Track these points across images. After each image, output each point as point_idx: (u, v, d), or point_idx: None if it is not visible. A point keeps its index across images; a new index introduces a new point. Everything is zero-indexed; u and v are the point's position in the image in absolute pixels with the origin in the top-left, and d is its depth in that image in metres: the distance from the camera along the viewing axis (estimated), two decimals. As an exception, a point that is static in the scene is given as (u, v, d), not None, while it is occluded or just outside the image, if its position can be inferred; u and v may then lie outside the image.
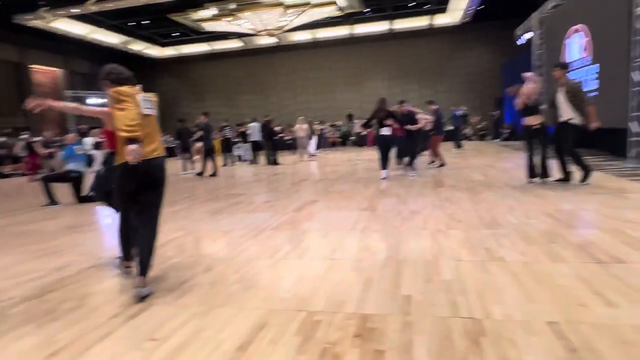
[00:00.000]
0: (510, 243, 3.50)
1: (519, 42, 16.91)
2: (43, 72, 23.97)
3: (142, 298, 2.74)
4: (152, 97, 3.08)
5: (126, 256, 3.21)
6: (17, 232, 5.26)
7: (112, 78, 3.04)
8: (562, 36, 12.54)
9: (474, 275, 2.84)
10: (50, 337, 2.30)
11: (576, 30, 11.63)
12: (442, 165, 9.66)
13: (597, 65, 10.40)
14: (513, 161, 10.33)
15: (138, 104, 2.88)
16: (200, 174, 11.13)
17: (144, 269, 2.82)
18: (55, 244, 4.47)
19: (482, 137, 20.95)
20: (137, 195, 2.94)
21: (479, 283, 2.69)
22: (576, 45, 11.65)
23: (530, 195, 5.53)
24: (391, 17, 23.03)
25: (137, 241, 2.92)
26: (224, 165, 14.33)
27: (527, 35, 16.06)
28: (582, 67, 11.26)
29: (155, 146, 2.99)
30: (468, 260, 3.15)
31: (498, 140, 19.46)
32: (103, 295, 2.90)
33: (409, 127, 8.46)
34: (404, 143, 8.73)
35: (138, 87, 3.02)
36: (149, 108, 2.99)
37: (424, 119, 9.21)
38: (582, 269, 2.83)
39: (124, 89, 2.86)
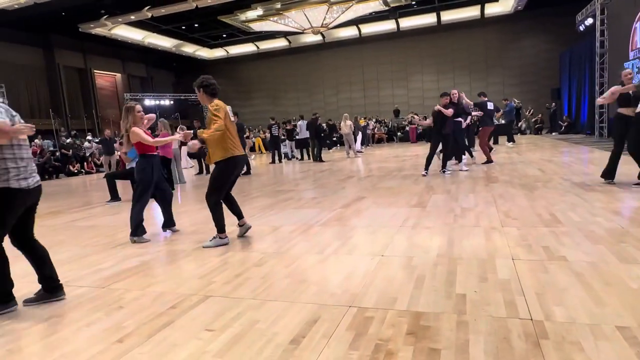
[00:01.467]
0: (573, 242, 3.30)
1: (581, 29, 15.80)
2: (105, 77, 25.60)
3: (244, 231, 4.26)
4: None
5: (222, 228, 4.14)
6: (85, 227, 5.66)
7: (209, 91, 3.91)
8: (630, 20, 11.61)
9: (532, 274, 2.70)
10: (118, 324, 2.45)
11: (646, 13, 10.74)
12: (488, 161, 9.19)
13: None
14: (573, 155, 9.74)
15: (228, 114, 3.88)
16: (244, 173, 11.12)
17: (242, 214, 4.31)
18: (118, 237, 4.76)
19: (538, 131, 19.87)
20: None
21: (538, 283, 2.56)
22: (646, 29, 10.77)
23: (595, 192, 5.18)
24: (439, 9, 22.37)
25: (235, 205, 4.27)
26: (272, 162, 14.60)
27: (588, 22, 15.00)
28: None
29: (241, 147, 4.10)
30: (525, 259, 3.01)
31: (555, 133, 18.40)
32: (162, 286, 3.05)
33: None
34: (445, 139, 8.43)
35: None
36: (233, 117, 3.99)
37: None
38: (657, 271, 2.61)
39: (221, 105, 3.83)
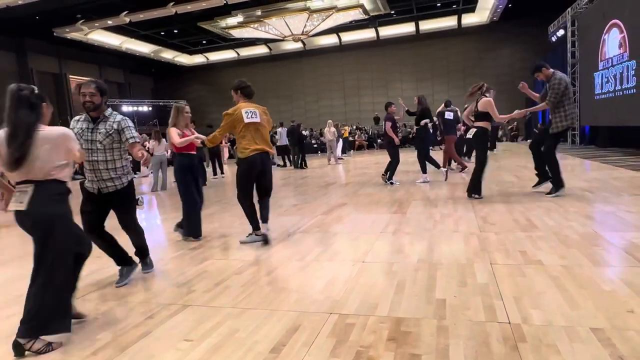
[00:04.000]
0: (548, 246, 3.38)
1: (553, 39, 16.34)
2: (80, 82, 24.95)
3: (266, 241, 4.13)
4: (255, 108, 4.09)
5: (256, 226, 4.25)
6: (58, 235, 5.47)
7: (244, 92, 4.15)
8: (599, 31, 12.08)
9: (510, 279, 2.75)
10: (92, 335, 2.38)
11: (613, 25, 11.19)
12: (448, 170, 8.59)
13: (634, 62, 9.97)
14: (547, 162, 9.97)
15: (240, 118, 3.95)
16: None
17: (266, 219, 4.29)
18: (94, 246, 4.61)
19: (513, 138, 20.38)
20: (257, 179, 4.16)
21: (516, 287, 2.61)
22: (615, 41, 11.20)
23: (569, 197, 5.33)
24: (417, 19, 22.78)
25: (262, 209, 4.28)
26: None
27: (560, 33, 15.53)
28: (619, 63, 10.83)
29: (262, 146, 4.03)
30: (503, 263, 3.06)
31: (530, 141, 18.89)
32: (139, 296, 2.98)
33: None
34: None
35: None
36: (250, 117, 3.99)
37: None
38: (629, 274, 2.69)
39: (232, 111, 4.00)
